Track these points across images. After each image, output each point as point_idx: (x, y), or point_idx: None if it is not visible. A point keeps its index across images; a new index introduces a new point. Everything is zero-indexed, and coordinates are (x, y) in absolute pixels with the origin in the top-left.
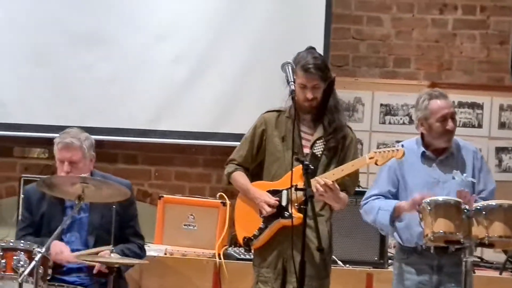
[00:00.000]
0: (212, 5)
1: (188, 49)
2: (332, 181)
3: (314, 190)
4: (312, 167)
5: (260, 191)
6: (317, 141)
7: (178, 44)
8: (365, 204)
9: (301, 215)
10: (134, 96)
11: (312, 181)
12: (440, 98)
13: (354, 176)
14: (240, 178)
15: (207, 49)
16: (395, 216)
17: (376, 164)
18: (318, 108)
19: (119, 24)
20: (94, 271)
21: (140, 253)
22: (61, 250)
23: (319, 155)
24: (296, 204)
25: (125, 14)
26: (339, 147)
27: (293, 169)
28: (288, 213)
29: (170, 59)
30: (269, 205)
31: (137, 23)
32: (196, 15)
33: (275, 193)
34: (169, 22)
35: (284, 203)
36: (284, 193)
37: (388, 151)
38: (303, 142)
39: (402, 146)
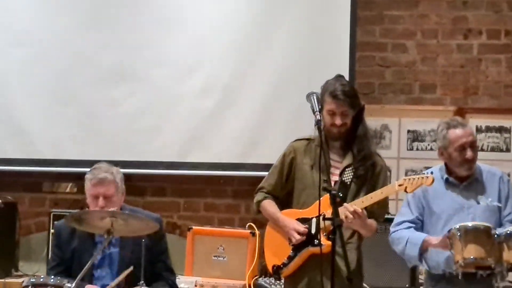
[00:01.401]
0: (238, 36)
1: (214, 81)
2: (362, 209)
3: (343, 217)
4: (341, 195)
5: (289, 219)
6: (347, 169)
7: (205, 76)
8: (394, 232)
9: (330, 243)
10: (162, 129)
11: (341, 208)
12: (458, 127)
13: (383, 204)
14: (270, 206)
15: (233, 80)
16: (423, 249)
17: (405, 191)
18: (347, 135)
19: (146, 59)
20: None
21: None
22: None
23: (348, 183)
24: (324, 233)
25: (151, 48)
26: (368, 175)
27: (322, 197)
28: (317, 241)
29: (197, 92)
30: (299, 233)
31: (163, 57)
32: (221, 47)
33: (304, 221)
34: (195, 55)
35: (313, 231)
36: (314, 221)
37: (418, 178)
38: (332, 169)
39: (432, 173)
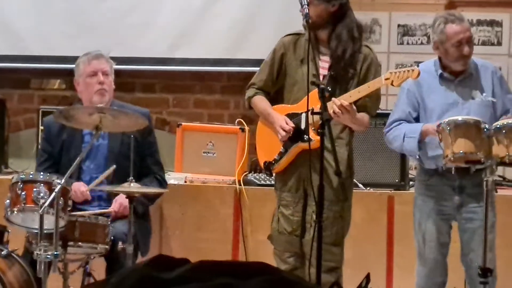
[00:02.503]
0: None
1: None
2: (350, 103)
3: (331, 112)
4: (329, 89)
5: (278, 115)
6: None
7: None
8: (388, 131)
9: (319, 138)
10: (151, 24)
11: (329, 103)
12: (455, 23)
13: (375, 97)
14: (260, 102)
15: None
16: (422, 139)
17: (392, 84)
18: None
19: None
20: (111, 217)
21: (161, 183)
22: (78, 187)
23: (337, 77)
24: (313, 128)
25: None
26: (360, 68)
27: (311, 92)
28: (306, 137)
29: None
30: (284, 130)
31: None
32: None
33: (294, 116)
34: None
35: (303, 126)
36: (303, 116)
37: (404, 71)
38: (321, 63)
39: (418, 66)
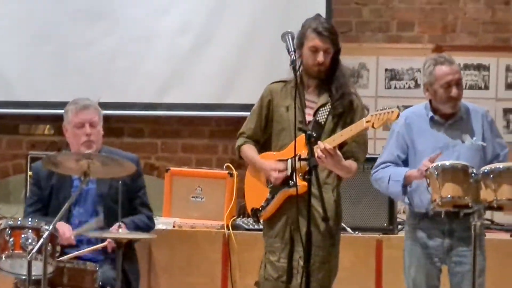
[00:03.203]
0: None
1: (191, 20)
2: (333, 147)
3: (316, 156)
4: (315, 135)
5: (266, 161)
6: (321, 108)
7: (181, 15)
8: (375, 173)
9: (305, 183)
10: (139, 70)
11: (314, 147)
12: (445, 64)
13: (362, 143)
14: (249, 151)
15: (210, 19)
16: (406, 184)
17: (373, 127)
18: (325, 74)
19: None
20: (109, 250)
21: (149, 223)
22: (63, 231)
23: (322, 123)
24: (300, 174)
25: None
26: (345, 113)
27: (297, 138)
28: (292, 182)
29: (174, 31)
30: (279, 171)
31: None
32: None
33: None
34: None
35: (289, 172)
36: (289, 162)
37: (384, 113)
38: (307, 110)
39: (398, 107)
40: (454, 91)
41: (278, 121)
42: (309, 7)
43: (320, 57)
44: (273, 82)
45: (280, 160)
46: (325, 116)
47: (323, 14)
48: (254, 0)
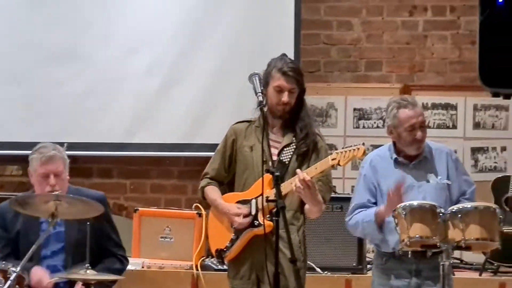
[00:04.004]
0: (182, 16)
1: (159, 61)
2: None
3: (292, 186)
4: (281, 174)
5: (229, 204)
6: (285, 148)
7: (150, 56)
8: (349, 220)
9: (271, 223)
10: (108, 110)
11: (291, 179)
12: (408, 107)
13: (327, 183)
14: (211, 193)
15: (178, 60)
16: (379, 222)
17: (339, 164)
18: (290, 114)
19: (90, 39)
20: None
21: (121, 267)
22: (40, 278)
23: (286, 162)
24: (267, 216)
25: (95, 29)
26: (310, 153)
27: (261, 178)
28: (258, 222)
29: (142, 72)
30: (243, 216)
31: (108, 37)
32: (166, 26)
33: (244, 203)
34: (140, 35)
35: (253, 212)
36: (253, 202)
37: (349, 150)
38: (272, 149)
39: (363, 144)
40: (418, 134)
41: (242, 161)
42: (277, 47)
43: (285, 97)
44: (237, 122)
45: (244, 200)
46: (289, 156)
47: (292, 54)
48: (222, 41)
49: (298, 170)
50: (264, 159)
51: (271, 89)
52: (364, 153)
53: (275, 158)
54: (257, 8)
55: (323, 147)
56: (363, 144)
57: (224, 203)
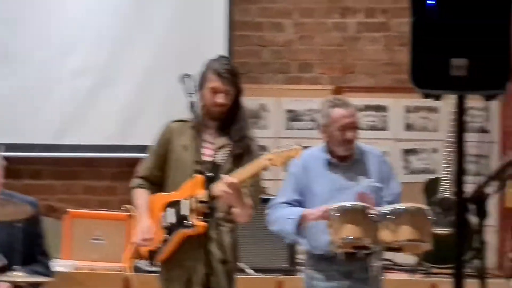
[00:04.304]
0: (113, 17)
1: (90, 62)
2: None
3: (220, 190)
4: (212, 175)
5: (144, 220)
6: (220, 149)
7: (81, 57)
8: (271, 213)
9: (202, 223)
10: (38, 111)
11: (218, 182)
12: (341, 107)
13: (256, 186)
14: (138, 196)
15: (109, 61)
16: (302, 224)
17: (274, 165)
18: (225, 116)
19: (22, 39)
20: None
21: (45, 272)
22: None
23: (220, 164)
24: (195, 215)
25: (26, 29)
26: (244, 155)
27: (192, 178)
28: (189, 223)
29: (73, 73)
30: (144, 237)
31: (39, 37)
32: (97, 27)
33: (175, 203)
34: (71, 36)
35: (185, 213)
36: (184, 203)
37: (286, 151)
38: (205, 150)
39: (300, 146)
40: (349, 134)
41: (175, 160)
42: (209, 48)
43: (220, 99)
44: (174, 121)
45: (173, 201)
46: (224, 157)
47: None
48: (154, 42)
49: (224, 175)
50: (197, 160)
51: (207, 91)
52: (300, 154)
53: (209, 159)
54: (189, 8)
55: (256, 150)
56: (301, 145)
57: (143, 213)
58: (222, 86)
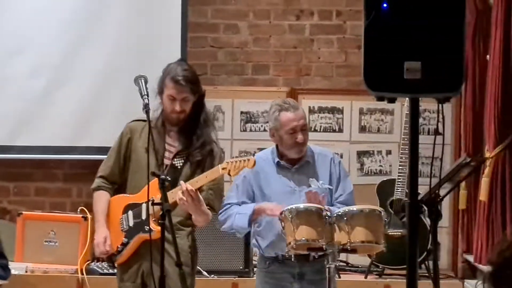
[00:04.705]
0: (67, 17)
1: (44, 62)
2: (195, 189)
3: (177, 197)
4: (170, 179)
5: (101, 230)
6: (179, 153)
7: (34, 57)
8: (221, 213)
9: (159, 229)
10: None
11: (176, 189)
12: (290, 110)
13: (218, 192)
14: (97, 200)
15: (63, 61)
16: (254, 217)
17: (229, 174)
18: (186, 121)
19: None
20: None
21: (3, 275)
22: None
23: (179, 167)
24: (154, 218)
25: None
26: (205, 161)
27: (151, 181)
28: (147, 228)
29: (27, 72)
30: (102, 251)
31: None
32: (51, 27)
33: (134, 206)
34: (23, 34)
35: (143, 217)
36: (143, 206)
37: (240, 161)
38: (166, 153)
39: (253, 155)
40: (300, 137)
41: (135, 161)
42: (164, 49)
43: (177, 106)
44: (134, 120)
45: (133, 203)
46: (183, 161)
47: (178, 56)
48: (109, 42)
49: (181, 182)
50: (158, 163)
51: (165, 97)
52: (254, 165)
53: (169, 162)
54: (144, 9)
55: (218, 153)
56: (254, 155)
57: (100, 221)
58: (179, 94)
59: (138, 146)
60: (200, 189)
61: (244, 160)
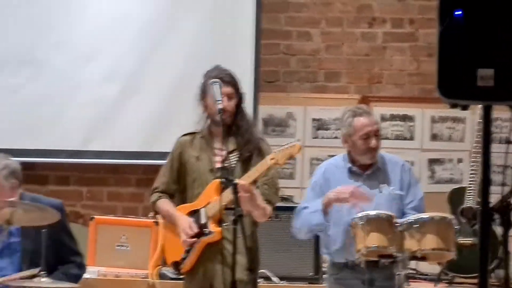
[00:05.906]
0: (141, 24)
1: (118, 67)
2: (250, 183)
3: (230, 197)
4: (227, 181)
5: (183, 218)
6: (229, 155)
7: (109, 62)
8: (295, 219)
9: (219, 230)
10: (65, 116)
11: (226, 191)
12: (363, 116)
13: (272, 186)
14: (163, 205)
15: (137, 67)
16: (325, 209)
17: (278, 164)
18: (230, 121)
19: (47, 44)
20: None
21: (79, 272)
22: None
23: (231, 169)
24: (215, 222)
25: (52, 34)
26: (253, 159)
27: (208, 185)
28: (207, 230)
29: (101, 78)
30: (188, 233)
31: (65, 42)
32: (125, 33)
33: (195, 212)
34: (98, 40)
35: (203, 221)
36: (202, 211)
37: (285, 148)
38: (216, 158)
39: (298, 140)
40: (373, 142)
41: (190, 172)
42: (237, 56)
43: (224, 103)
44: (182, 135)
45: (194, 211)
46: (234, 162)
47: (251, 64)
48: (182, 48)
49: (235, 180)
50: (211, 168)
51: (210, 98)
52: (300, 150)
53: (219, 165)
54: (218, 16)
55: (267, 150)
56: (298, 140)
57: (178, 214)
58: (225, 90)
59: (190, 157)
60: (255, 185)
61: (290, 147)
